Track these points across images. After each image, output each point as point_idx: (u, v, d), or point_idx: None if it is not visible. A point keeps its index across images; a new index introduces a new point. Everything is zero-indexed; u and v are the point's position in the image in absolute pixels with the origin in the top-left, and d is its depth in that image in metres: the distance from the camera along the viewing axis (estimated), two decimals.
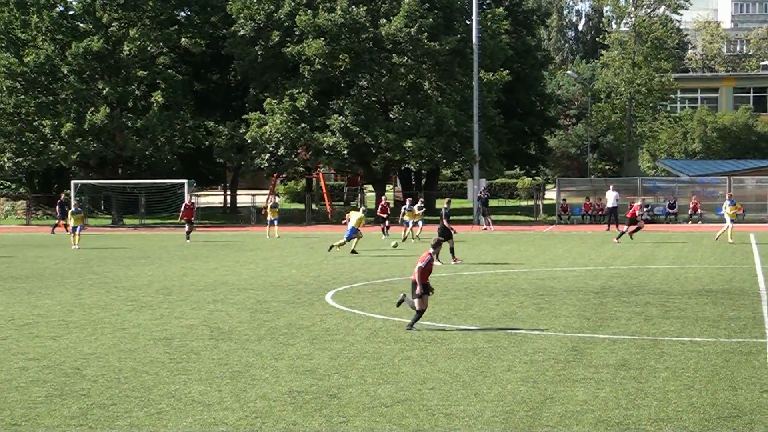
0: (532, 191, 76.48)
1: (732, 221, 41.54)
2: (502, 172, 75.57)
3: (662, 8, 77.85)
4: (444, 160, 63.26)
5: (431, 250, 19.32)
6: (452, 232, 33.91)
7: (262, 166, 63.20)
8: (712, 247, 39.26)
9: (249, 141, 59.70)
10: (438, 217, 37.87)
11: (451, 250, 33.28)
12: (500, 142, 66.07)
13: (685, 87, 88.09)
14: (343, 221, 40.62)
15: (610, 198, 52.24)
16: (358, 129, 58.64)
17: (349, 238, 37.26)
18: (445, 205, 36.78)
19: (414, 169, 68.85)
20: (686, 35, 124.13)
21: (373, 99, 61.22)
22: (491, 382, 14.41)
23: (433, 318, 20.72)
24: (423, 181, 75.54)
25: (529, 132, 77.70)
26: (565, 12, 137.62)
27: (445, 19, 61.35)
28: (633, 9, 77.16)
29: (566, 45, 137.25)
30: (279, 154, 60.67)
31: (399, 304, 19.85)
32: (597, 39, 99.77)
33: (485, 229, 53.71)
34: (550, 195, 77.49)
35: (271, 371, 15.33)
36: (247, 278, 29.17)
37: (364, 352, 16.82)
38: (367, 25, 58.90)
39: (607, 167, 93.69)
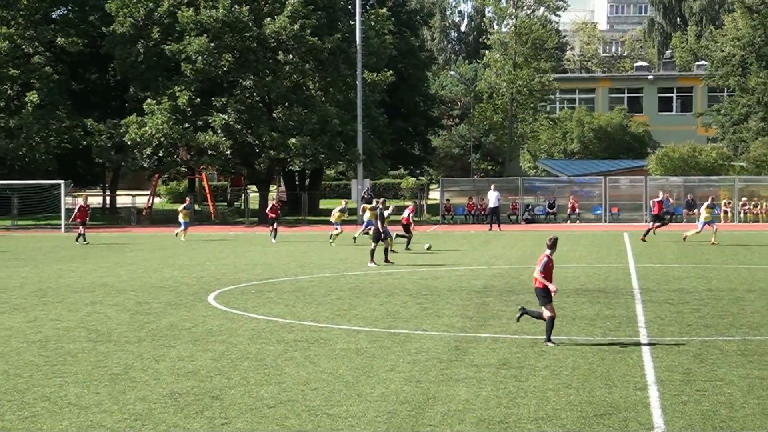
0: (416, 191, 76.94)
1: (709, 223, 40.20)
2: (386, 172, 75.87)
3: (541, 9, 79.23)
4: (328, 160, 63.21)
5: (548, 252, 17.59)
6: (383, 234, 33.33)
7: (143, 166, 62.25)
8: (588, 246, 40.02)
9: (129, 142, 58.64)
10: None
11: (386, 251, 33.28)
12: (384, 142, 66.30)
13: (563, 88, 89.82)
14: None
15: (492, 198, 52.87)
16: (241, 127, 58.19)
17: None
18: (380, 206, 35.20)
19: (298, 169, 68.62)
20: (564, 36, 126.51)
21: (256, 99, 60.81)
22: (374, 382, 14.44)
23: (316, 318, 20.67)
24: (307, 182, 75.38)
25: (413, 132, 78.17)
26: (447, 13, 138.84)
27: (329, 19, 61.30)
28: (514, 10, 78.31)
29: (449, 46, 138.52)
30: (160, 154, 59.79)
31: (519, 318, 18.14)
32: (479, 40, 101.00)
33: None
34: (434, 195, 78.12)
35: (151, 373, 15.10)
36: (126, 279, 28.68)
37: (247, 353, 16.68)
38: (251, 24, 58.46)
39: (489, 167, 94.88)
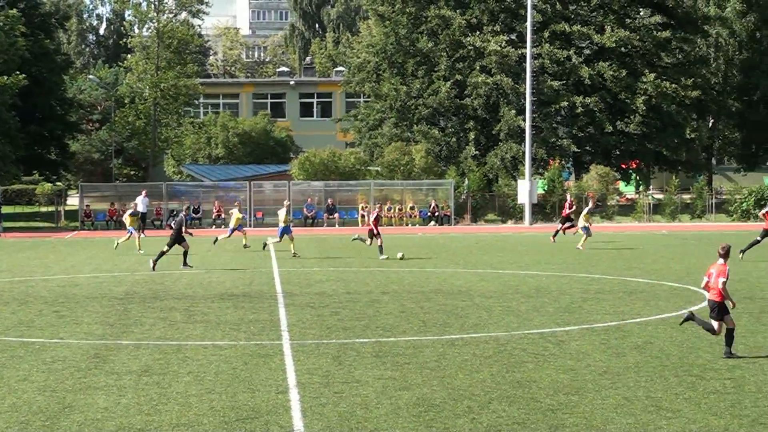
0: (53, 197, 74.15)
1: (586, 228, 39.72)
2: (19, 178, 72.85)
3: (184, 13, 78.73)
4: None
5: (723, 261, 15.98)
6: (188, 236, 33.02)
7: None
8: (234, 251, 40.12)
9: None
10: None
11: (184, 254, 32.35)
12: (17, 146, 63.55)
13: (208, 92, 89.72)
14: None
15: (140, 203, 52.04)
16: None
17: (281, 236, 37.37)
18: (183, 213, 36.15)
19: None
20: (207, 41, 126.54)
21: None
22: (5, 392, 13.84)
23: None
24: None
25: (50, 136, 75.37)
26: (85, 16, 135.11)
27: None
28: (155, 14, 77.33)
29: (87, 49, 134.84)
30: None
31: (683, 321, 16.61)
32: (120, 43, 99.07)
33: None
34: (74, 200, 75.61)
35: None
36: None
37: None
38: None
39: (132, 172, 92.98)
